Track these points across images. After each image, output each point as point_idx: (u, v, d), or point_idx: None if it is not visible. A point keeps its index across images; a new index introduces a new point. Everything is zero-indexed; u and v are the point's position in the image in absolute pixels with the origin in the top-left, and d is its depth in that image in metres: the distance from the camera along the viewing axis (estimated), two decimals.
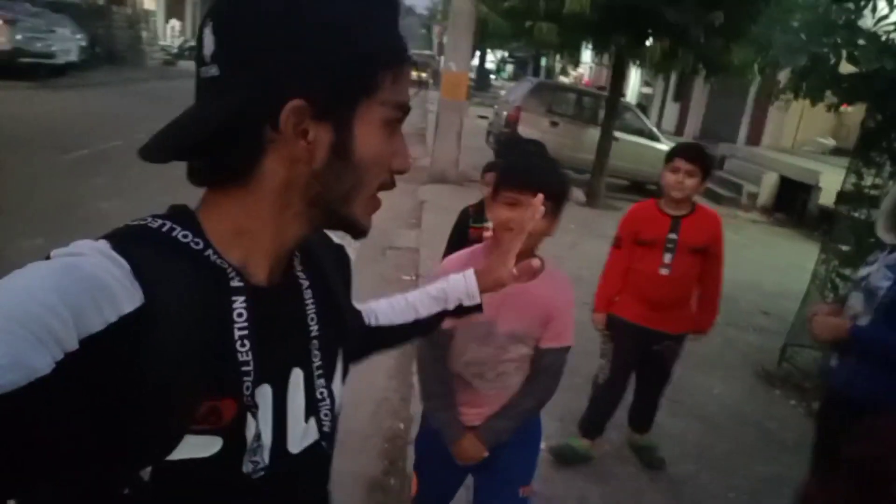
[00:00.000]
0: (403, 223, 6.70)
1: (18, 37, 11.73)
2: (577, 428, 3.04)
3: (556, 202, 1.59)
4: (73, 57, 14.73)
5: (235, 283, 0.64)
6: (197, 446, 0.61)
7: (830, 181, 8.11)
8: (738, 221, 10.05)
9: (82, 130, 8.58)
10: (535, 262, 1.22)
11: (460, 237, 2.87)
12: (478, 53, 30.16)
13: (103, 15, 18.94)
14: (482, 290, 1.11)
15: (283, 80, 0.61)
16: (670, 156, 2.65)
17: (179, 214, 0.66)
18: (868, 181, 3.73)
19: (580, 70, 25.25)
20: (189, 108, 0.65)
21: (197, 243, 0.64)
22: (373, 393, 3.42)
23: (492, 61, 36.97)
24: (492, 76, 33.12)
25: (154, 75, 17.81)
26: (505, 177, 1.66)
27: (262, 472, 0.67)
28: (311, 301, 0.75)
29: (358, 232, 0.72)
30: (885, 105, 3.44)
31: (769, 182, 10.94)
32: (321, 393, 0.75)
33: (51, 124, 8.98)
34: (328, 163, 0.65)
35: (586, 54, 16.27)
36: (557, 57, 19.74)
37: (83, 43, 15.35)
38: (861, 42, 3.28)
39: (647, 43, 7.52)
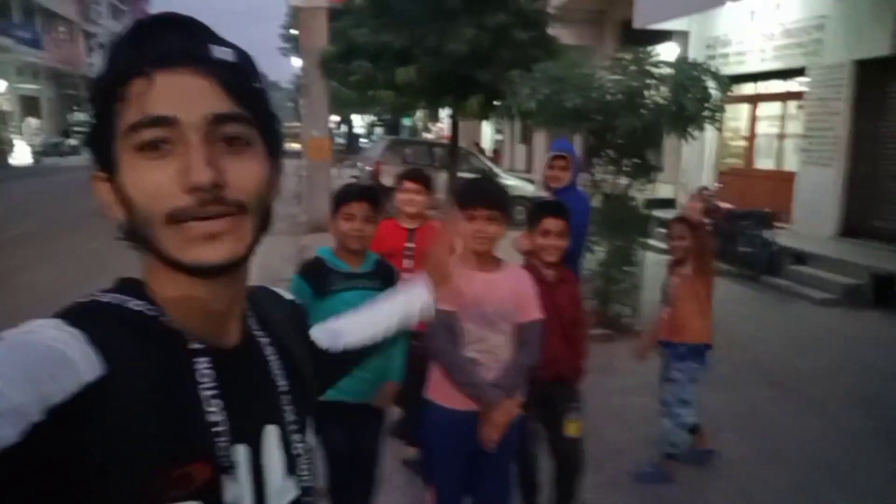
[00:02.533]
0: (290, 262, 8.00)
1: None
2: None
3: (503, 211, 2.07)
4: None
5: (195, 345, 0.64)
6: None
7: None
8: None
9: None
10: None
11: None
12: (338, 121, 32.03)
13: None
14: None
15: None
16: (400, 179, 3.21)
17: (128, 285, 0.66)
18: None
19: (440, 125, 27.62)
20: None
21: (151, 310, 0.64)
22: None
23: (361, 126, 38.89)
24: (361, 140, 35.06)
25: (25, 172, 17.96)
26: (463, 198, 2.11)
27: None
28: (275, 357, 0.75)
29: (184, 268, 0.62)
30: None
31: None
32: (296, 448, 0.74)
33: None
34: (126, 213, 0.62)
35: (444, 111, 18.31)
36: (417, 115, 21.86)
37: None
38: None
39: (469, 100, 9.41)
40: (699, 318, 3.32)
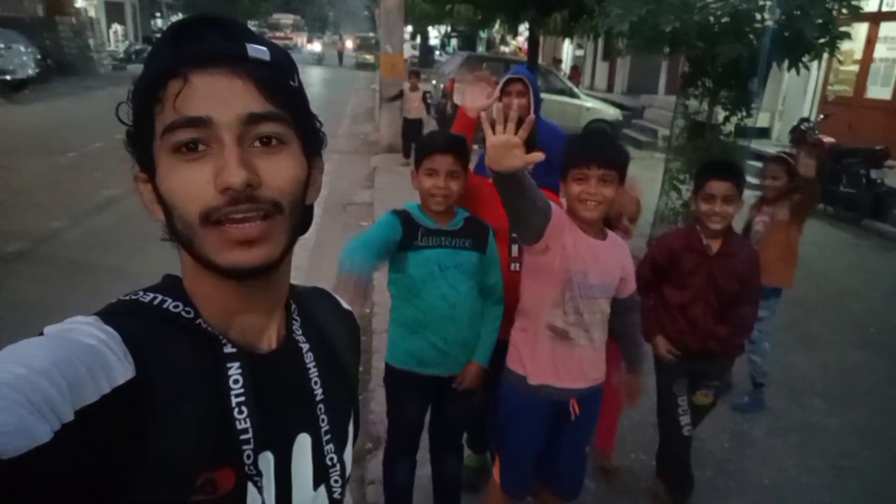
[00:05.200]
0: (360, 185, 7.96)
1: None
2: None
3: (619, 172, 1.81)
4: (31, 71, 15.47)
5: (229, 349, 0.65)
6: None
7: None
8: (654, 161, 11.52)
9: (63, 136, 9.55)
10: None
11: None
12: (412, 32, 31.12)
13: (49, 26, 19.45)
14: None
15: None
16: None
17: (169, 285, 0.67)
18: None
19: (520, 39, 26.40)
20: None
21: (188, 312, 0.65)
22: None
23: (436, 37, 37.72)
24: (437, 52, 34.08)
25: (109, 81, 18.32)
26: (572, 155, 1.84)
27: None
28: (314, 364, 0.74)
29: (219, 270, 0.62)
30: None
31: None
32: (331, 459, 0.73)
33: (32, 133, 9.93)
34: (165, 214, 0.63)
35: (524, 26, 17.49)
36: (496, 28, 21.00)
37: (37, 56, 16.04)
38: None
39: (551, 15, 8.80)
40: (785, 266, 3.35)
